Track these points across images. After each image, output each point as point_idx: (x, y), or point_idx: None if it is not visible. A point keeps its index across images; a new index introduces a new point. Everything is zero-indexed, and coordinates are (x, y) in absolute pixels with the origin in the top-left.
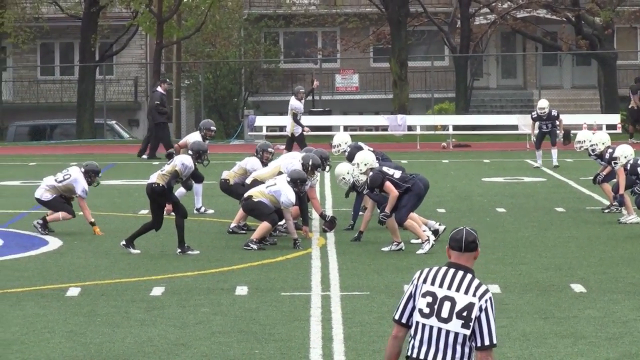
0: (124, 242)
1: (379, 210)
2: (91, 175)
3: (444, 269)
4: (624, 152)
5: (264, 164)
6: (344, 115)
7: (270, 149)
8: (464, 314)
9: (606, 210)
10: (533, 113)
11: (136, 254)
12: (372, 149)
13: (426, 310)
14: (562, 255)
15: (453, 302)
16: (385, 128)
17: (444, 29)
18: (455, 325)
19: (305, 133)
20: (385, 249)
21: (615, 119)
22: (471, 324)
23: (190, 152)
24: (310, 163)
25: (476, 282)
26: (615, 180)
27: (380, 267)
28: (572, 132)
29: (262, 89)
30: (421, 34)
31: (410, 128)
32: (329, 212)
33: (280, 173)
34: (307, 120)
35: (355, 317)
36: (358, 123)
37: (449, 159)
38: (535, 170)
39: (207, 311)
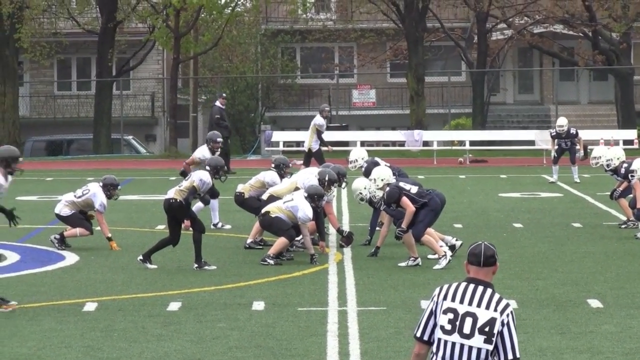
0: (141, 258)
1: (395, 226)
2: (110, 188)
3: (463, 284)
4: None
5: (282, 178)
6: (360, 131)
7: (289, 164)
8: (486, 329)
9: (623, 226)
10: (552, 130)
11: (153, 269)
12: (388, 164)
13: (448, 327)
14: (579, 270)
15: (475, 318)
16: (402, 143)
17: (461, 45)
18: (477, 340)
19: (327, 150)
20: (402, 264)
21: (632, 134)
22: (494, 339)
23: (207, 167)
24: (326, 178)
25: (497, 296)
26: (631, 195)
27: (397, 282)
28: (589, 147)
29: (279, 104)
30: (438, 50)
31: (427, 143)
32: (345, 228)
33: (297, 189)
34: (324, 135)
35: (372, 333)
36: (375, 138)
37: (465, 174)
38: (552, 185)
39: (224, 326)
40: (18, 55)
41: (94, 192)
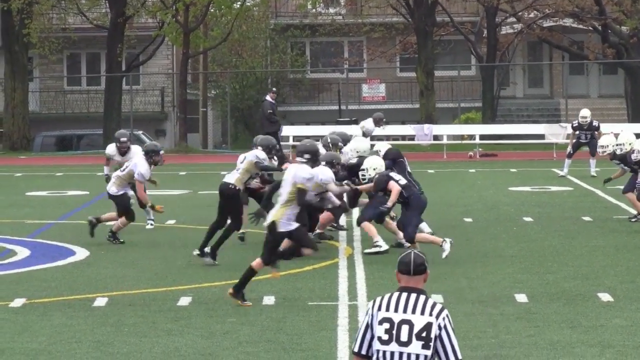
0: (208, 258)
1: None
2: (152, 155)
3: (396, 294)
4: None
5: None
6: None
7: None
8: (423, 334)
9: (633, 219)
10: (574, 122)
11: (212, 264)
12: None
13: (385, 337)
14: (589, 264)
15: (411, 325)
16: (411, 137)
17: (471, 39)
18: (415, 347)
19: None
20: (368, 250)
21: None
22: (431, 344)
23: (259, 147)
24: (329, 141)
25: (430, 302)
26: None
27: None
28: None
29: (288, 99)
30: (448, 44)
31: (436, 137)
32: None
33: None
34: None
35: None
36: (384, 133)
37: (475, 168)
38: (562, 179)
39: (234, 321)
40: (27, 51)
41: (135, 162)
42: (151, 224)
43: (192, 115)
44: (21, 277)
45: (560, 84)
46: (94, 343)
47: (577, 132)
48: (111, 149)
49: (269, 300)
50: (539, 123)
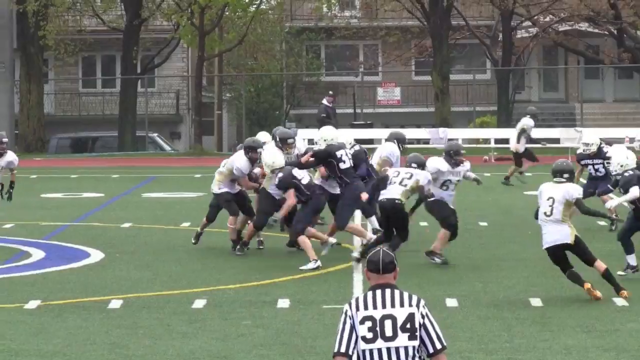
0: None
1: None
2: (248, 151)
3: (371, 292)
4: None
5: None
6: (385, 129)
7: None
8: (408, 325)
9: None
10: (578, 150)
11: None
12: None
13: (369, 336)
14: None
15: (394, 319)
16: (426, 141)
17: (486, 42)
18: (402, 340)
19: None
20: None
21: None
22: (417, 334)
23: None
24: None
25: (407, 293)
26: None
27: (422, 280)
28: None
29: (303, 102)
30: (463, 47)
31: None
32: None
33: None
34: (349, 133)
35: None
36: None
37: (490, 172)
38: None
39: (249, 324)
40: (43, 53)
41: (233, 158)
42: None
43: (207, 117)
44: (36, 279)
45: (575, 88)
46: (109, 345)
47: (583, 162)
48: None
49: (283, 303)
50: (554, 127)
